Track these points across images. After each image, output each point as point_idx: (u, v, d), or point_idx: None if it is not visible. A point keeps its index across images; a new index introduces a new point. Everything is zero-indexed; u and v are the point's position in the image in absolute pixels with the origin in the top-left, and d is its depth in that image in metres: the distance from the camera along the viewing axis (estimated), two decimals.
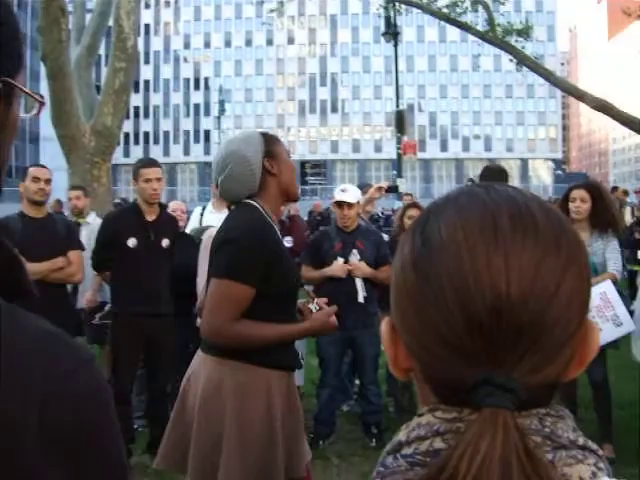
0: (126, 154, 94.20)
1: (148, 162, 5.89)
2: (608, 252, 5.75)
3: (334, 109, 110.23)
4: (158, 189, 5.72)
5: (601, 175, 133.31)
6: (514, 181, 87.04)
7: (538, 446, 0.79)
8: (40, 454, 0.76)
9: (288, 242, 6.63)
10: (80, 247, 5.94)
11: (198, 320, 5.76)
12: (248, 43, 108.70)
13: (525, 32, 21.59)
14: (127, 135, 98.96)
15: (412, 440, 0.84)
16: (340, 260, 6.09)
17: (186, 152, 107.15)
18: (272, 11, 25.45)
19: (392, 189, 9.66)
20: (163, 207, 5.97)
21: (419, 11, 22.33)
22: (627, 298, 5.89)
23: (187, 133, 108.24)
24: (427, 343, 0.83)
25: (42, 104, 0.97)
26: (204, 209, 7.02)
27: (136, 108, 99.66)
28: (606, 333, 5.64)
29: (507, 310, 0.78)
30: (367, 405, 6.33)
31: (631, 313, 5.94)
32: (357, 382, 7.05)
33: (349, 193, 6.20)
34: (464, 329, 0.79)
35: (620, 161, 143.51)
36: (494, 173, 6.85)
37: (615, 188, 17.84)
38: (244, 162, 3.11)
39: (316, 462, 5.76)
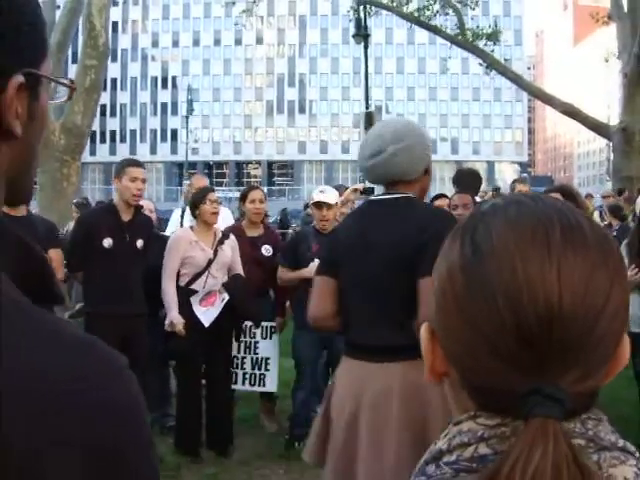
0: (92, 152, 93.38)
1: (135, 162, 5.88)
2: None
3: (302, 110, 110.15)
4: (142, 190, 5.70)
5: (566, 178, 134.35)
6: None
7: (582, 448, 0.81)
8: None
9: (267, 251, 6.61)
10: (60, 245, 5.91)
11: (167, 321, 5.77)
12: (217, 42, 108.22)
13: (494, 36, 21.76)
14: (93, 133, 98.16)
15: (454, 447, 0.84)
16: (316, 262, 6.08)
17: (153, 151, 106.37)
18: (243, 12, 25.41)
19: (368, 191, 9.67)
20: (138, 207, 5.94)
21: (388, 13, 22.43)
22: None
23: (154, 132, 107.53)
24: (474, 349, 0.84)
25: (73, 89, 0.94)
26: (184, 211, 6.98)
27: (103, 106, 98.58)
28: None
29: (558, 322, 0.79)
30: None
31: None
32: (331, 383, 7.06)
33: (328, 194, 6.20)
34: (514, 338, 0.80)
35: (585, 165, 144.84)
36: (468, 176, 6.90)
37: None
38: (423, 141, 3.12)
39: (292, 464, 5.79)
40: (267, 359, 6.54)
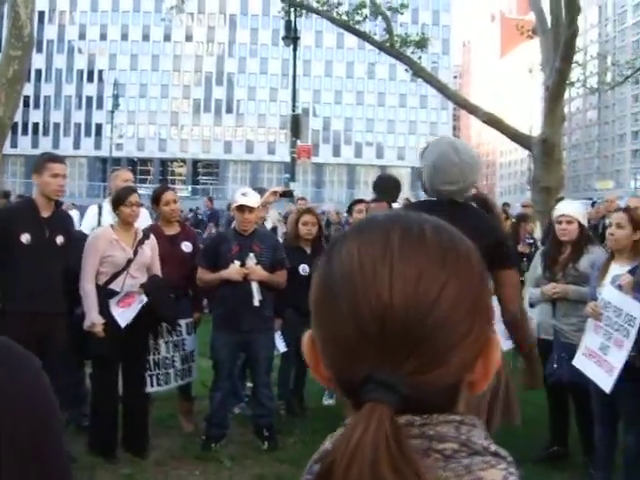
0: (13, 144, 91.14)
1: (56, 157, 5.78)
2: None
3: (229, 109, 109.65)
4: (64, 186, 5.62)
5: (488, 187, 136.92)
6: (405, 189, 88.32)
7: (455, 452, 0.86)
8: None
9: (187, 247, 6.61)
10: None
11: (86, 322, 5.70)
12: (145, 38, 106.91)
13: (422, 44, 22.00)
14: (15, 125, 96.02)
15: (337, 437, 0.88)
16: (236, 263, 6.10)
17: (76, 145, 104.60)
18: (172, 8, 25.19)
19: (287, 194, 9.72)
20: (58, 204, 5.85)
21: (318, 16, 22.51)
22: None
23: (78, 126, 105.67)
24: (330, 350, 0.91)
25: None
26: (101, 208, 6.88)
27: (26, 97, 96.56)
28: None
29: (390, 315, 0.85)
30: (259, 408, 6.35)
31: None
32: (249, 385, 7.08)
33: (250, 197, 6.23)
34: (355, 333, 0.86)
35: (507, 174, 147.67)
36: (388, 183, 7.00)
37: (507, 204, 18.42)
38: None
39: (208, 464, 5.80)
40: (192, 352, 6.67)
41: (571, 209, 5.96)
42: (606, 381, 4.86)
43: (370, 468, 0.77)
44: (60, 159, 5.75)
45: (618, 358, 4.82)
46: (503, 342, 5.89)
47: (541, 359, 5.94)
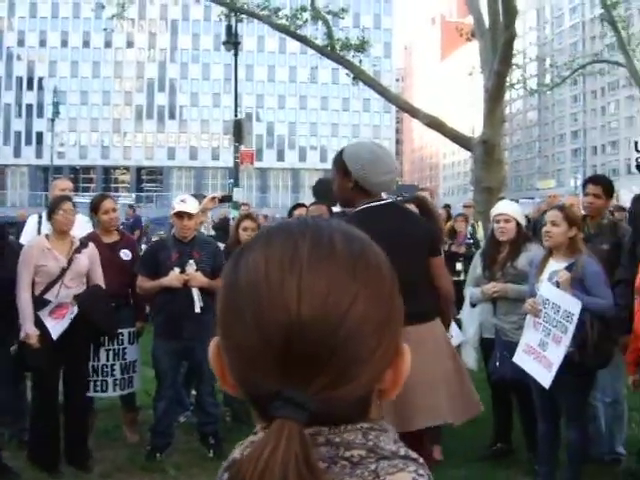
0: None
1: None
2: None
3: (172, 115, 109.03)
4: None
5: (432, 188, 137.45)
6: None
7: (363, 458, 0.86)
8: None
9: (126, 255, 6.54)
10: None
11: (22, 333, 5.60)
12: (86, 44, 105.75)
13: (362, 48, 22.10)
14: None
15: (246, 455, 0.87)
16: (176, 270, 6.05)
17: (17, 154, 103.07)
18: (113, 16, 24.93)
19: (226, 199, 9.70)
20: None
21: (260, 21, 22.48)
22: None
23: (18, 134, 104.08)
24: (237, 364, 0.89)
25: None
26: (41, 217, 6.78)
27: None
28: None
29: (297, 329, 0.83)
30: (204, 416, 6.30)
31: (458, 322, 6.22)
32: (193, 393, 7.02)
33: (189, 204, 6.19)
34: (260, 346, 0.85)
35: (450, 175, 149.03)
36: (327, 187, 7.01)
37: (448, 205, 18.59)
38: None
39: (154, 475, 5.74)
40: (134, 362, 6.57)
41: (509, 208, 6.03)
42: (545, 377, 4.92)
43: None
44: None
45: (556, 354, 4.88)
46: (455, 337, 5.97)
47: (484, 358, 6.02)
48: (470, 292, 6.07)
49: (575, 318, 4.82)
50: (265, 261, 0.88)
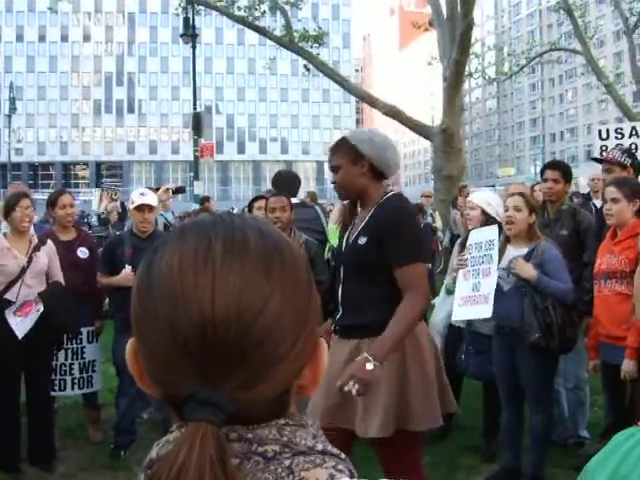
0: None
1: None
2: None
3: (131, 109, 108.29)
4: None
5: (393, 177, 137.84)
6: (310, 183, 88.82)
7: (277, 454, 0.85)
8: None
9: (83, 253, 6.45)
10: None
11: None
12: (42, 39, 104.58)
13: (319, 39, 22.09)
14: None
15: (162, 457, 0.87)
16: (128, 268, 5.96)
17: None
18: (49, 9, 24.65)
19: (180, 190, 9.75)
20: None
21: (218, 13, 22.39)
22: None
23: None
24: (152, 363, 0.88)
25: None
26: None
27: None
28: None
29: (211, 328, 0.82)
30: (168, 411, 6.24)
31: None
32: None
33: (149, 197, 6.13)
34: (173, 347, 0.84)
35: (411, 164, 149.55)
36: (286, 178, 6.99)
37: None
38: None
39: (118, 473, 5.68)
40: (93, 361, 6.48)
41: (475, 196, 6.15)
42: (484, 310, 4.97)
43: None
44: None
45: (489, 284, 4.97)
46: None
47: (450, 344, 6.04)
48: (447, 280, 6.11)
49: (496, 242, 5.02)
50: (178, 259, 0.87)
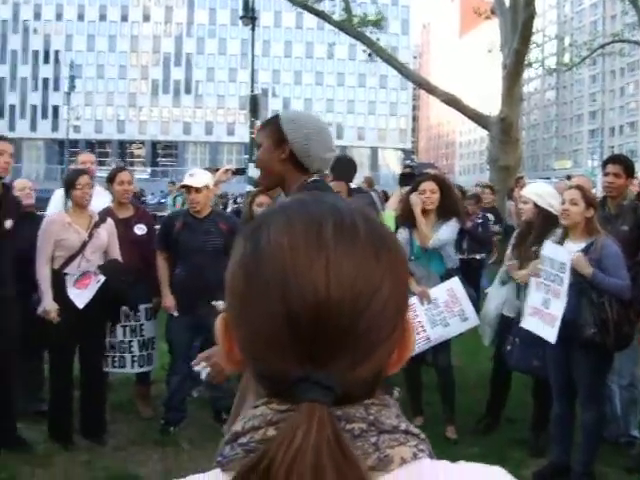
0: None
1: (0, 136, 5.63)
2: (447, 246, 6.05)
3: (188, 90, 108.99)
4: (9, 164, 5.47)
5: (448, 166, 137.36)
6: (364, 169, 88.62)
7: (363, 432, 0.86)
8: None
9: (141, 230, 6.51)
10: None
11: (40, 307, 5.61)
12: (102, 18, 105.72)
13: (379, 23, 21.96)
14: None
15: (248, 430, 0.88)
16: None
17: (33, 128, 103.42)
18: None
19: (239, 171, 9.72)
20: (7, 187, 5.72)
21: None
22: (472, 292, 6.17)
23: (34, 108, 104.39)
24: (254, 341, 0.88)
25: None
26: None
27: None
28: (453, 327, 5.96)
29: (325, 311, 0.83)
30: (217, 391, 6.31)
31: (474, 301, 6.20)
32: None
33: (196, 178, 6.16)
34: (285, 328, 0.84)
35: (466, 154, 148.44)
36: (344, 164, 6.97)
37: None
38: None
39: (167, 449, 5.76)
40: (152, 339, 6.54)
41: (527, 189, 6.05)
42: (549, 333, 4.96)
43: (312, 472, 0.77)
44: (4, 137, 5.61)
45: (558, 307, 4.93)
46: (471, 319, 5.98)
47: (501, 335, 5.99)
48: (501, 270, 6.07)
49: (567, 267, 4.90)
50: (289, 239, 0.87)
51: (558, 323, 4.88)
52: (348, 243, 0.87)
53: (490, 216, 10.13)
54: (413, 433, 0.90)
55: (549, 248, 5.15)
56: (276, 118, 3.26)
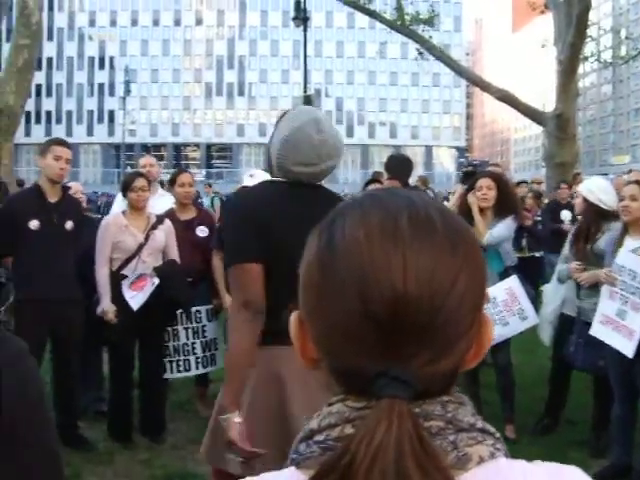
0: (27, 133, 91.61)
1: (60, 141, 5.76)
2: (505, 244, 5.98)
3: (241, 92, 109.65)
4: (65, 169, 5.58)
5: (503, 164, 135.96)
6: (419, 168, 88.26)
7: (441, 429, 0.85)
8: None
9: (203, 232, 6.54)
10: None
11: (99, 308, 5.69)
12: (155, 23, 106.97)
13: (431, 21, 21.85)
14: (28, 114, 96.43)
15: (324, 427, 0.88)
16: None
17: (89, 133, 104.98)
18: None
19: None
20: (66, 189, 5.83)
21: None
22: (531, 290, 6.08)
23: (91, 113, 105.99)
24: (330, 336, 0.88)
25: None
26: None
27: (38, 86, 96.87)
28: (512, 326, 5.86)
29: (403, 306, 0.82)
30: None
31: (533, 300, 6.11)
32: None
33: (257, 179, 6.17)
34: (362, 323, 0.84)
35: (521, 150, 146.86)
36: (399, 162, 6.94)
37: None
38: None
39: None
40: (215, 339, 6.55)
41: (582, 185, 5.97)
42: (627, 346, 4.83)
43: (395, 467, 0.76)
44: (63, 143, 5.72)
45: (637, 322, 4.79)
46: (531, 317, 5.91)
47: (561, 335, 5.91)
48: (559, 268, 5.98)
49: None
50: (365, 234, 0.87)
51: (637, 338, 4.74)
52: (424, 236, 0.86)
53: (566, 213, 9.93)
54: (489, 432, 0.89)
55: (627, 258, 4.95)
56: (286, 113, 3.11)
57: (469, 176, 7.63)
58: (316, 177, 2.96)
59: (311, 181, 2.98)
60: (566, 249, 5.93)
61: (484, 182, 5.99)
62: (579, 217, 5.96)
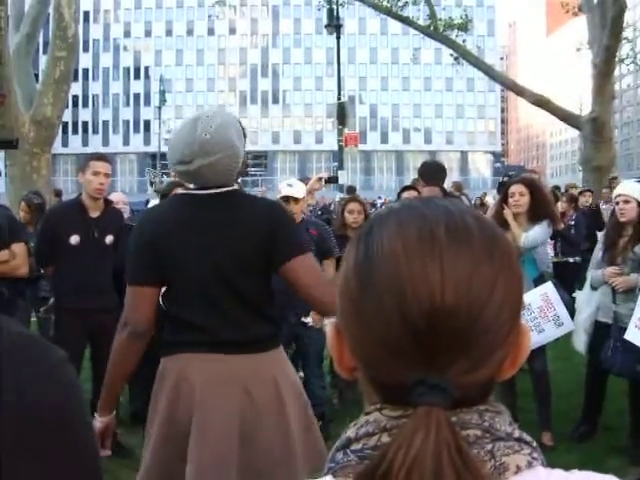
0: (64, 144, 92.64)
1: (99, 156, 5.85)
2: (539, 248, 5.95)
3: (275, 100, 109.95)
4: (105, 184, 5.66)
5: (538, 168, 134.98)
6: (454, 174, 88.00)
7: (478, 438, 0.85)
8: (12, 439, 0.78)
9: None
10: (23, 239, 5.84)
11: None
12: (189, 32, 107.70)
13: (465, 26, 21.81)
14: (65, 125, 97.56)
15: (361, 436, 0.88)
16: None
17: (126, 142, 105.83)
18: (217, 2, 25.30)
19: (332, 180, 9.70)
20: (108, 202, 5.91)
21: (361, 3, 22.46)
22: (566, 296, 6.04)
23: (127, 123, 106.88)
24: (368, 346, 0.88)
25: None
26: None
27: (75, 97, 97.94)
28: (548, 332, 5.82)
29: (442, 316, 0.83)
30: (311, 398, 6.30)
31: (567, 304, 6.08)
32: (301, 374, 7.08)
33: (296, 188, 6.20)
34: (401, 333, 0.84)
35: (557, 155, 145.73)
36: (434, 169, 6.94)
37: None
38: (234, 153, 2.90)
39: None
40: None
41: (628, 188, 5.82)
42: None
43: (432, 476, 0.76)
44: (102, 157, 5.82)
45: None
46: (566, 324, 5.87)
47: (596, 341, 5.88)
48: (592, 274, 5.94)
49: None
50: (403, 246, 0.87)
51: None
52: (461, 245, 0.86)
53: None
54: (526, 441, 0.89)
55: None
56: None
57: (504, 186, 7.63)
58: (194, 175, 2.89)
59: (190, 181, 3.01)
60: (597, 254, 5.89)
61: (516, 188, 5.97)
62: (612, 222, 5.88)
